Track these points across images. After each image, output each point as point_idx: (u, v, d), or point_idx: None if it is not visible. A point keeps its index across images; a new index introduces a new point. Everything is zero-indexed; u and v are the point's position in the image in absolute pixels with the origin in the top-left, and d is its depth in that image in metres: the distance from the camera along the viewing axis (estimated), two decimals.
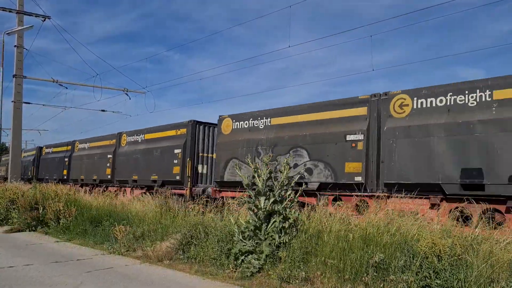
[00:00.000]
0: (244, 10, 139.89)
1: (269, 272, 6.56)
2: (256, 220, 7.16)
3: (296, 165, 11.50)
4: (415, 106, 9.70)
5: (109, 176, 19.91)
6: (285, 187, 7.31)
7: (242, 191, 11.73)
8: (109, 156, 20.00)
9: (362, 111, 10.60)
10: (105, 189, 18.79)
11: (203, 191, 14.61)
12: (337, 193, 10.50)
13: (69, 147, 24.90)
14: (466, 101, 8.95)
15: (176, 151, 15.81)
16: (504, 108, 8.40)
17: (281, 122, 12.55)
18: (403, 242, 6.02)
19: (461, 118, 8.89)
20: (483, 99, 8.72)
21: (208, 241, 7.78)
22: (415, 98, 9.68)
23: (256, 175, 7.38)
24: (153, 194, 12.85)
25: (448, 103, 9.22)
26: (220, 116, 14.48)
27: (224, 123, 14.34)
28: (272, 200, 7.15)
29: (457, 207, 8.30)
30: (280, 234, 6.96)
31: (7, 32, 21.71)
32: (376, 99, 10.38)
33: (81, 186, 20.68)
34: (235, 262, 7.04)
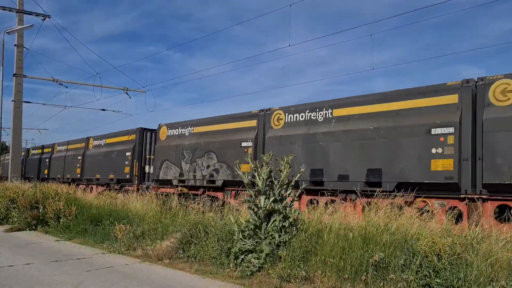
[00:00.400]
0: (244, 9, 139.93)
1: (269, 271, 6.56)
2: (256, 219, 7.16)
3: (208, 166, 14.32)
4: (287, 120, 12.25)
5: (78, 175, 22.91)
6: (285, 186, 7.31)
7: (173, 187, 15.31)
8: (79, 157, 22.98)
9: (252, 123, 13.38)
10: (76, 186, 19.79)
11: (147, 187, 17.00)
12: (237, 189, 12.97)
13: (50, 149, 28.03)
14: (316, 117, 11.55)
15: (127, 153, 18.69)
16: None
17: (200, 130, 15.22)
18: (403, 241, 6.03)
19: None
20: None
21: (208, 240, 7.79)
22: (287, 113, 12.08)
23: (256, 174, 7.38)
24: (110, 190, 15.56)
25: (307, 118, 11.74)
26: (159, 124, 17.01)
27: (161, 131, 16.92)
28: (272, 199, 7.16)
29: (311, 199, 11.07)
30: (280, 233, 6.96)
31: (7, 31, 21.72)
32: (263, 114, 12.99)
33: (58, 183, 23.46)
34: (235, 261, 7.05)
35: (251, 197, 7.38)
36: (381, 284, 5.64)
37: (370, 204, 8.09)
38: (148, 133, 18.90)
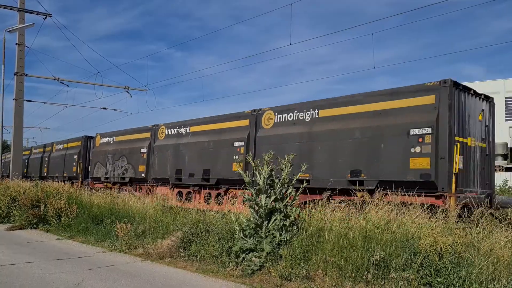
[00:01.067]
0: (245, 8, 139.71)
1: (270, 270, 6.57)
2: (257, 218, 7.17)
3: (122, 167, 18.84)
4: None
5: (45, 173, 27.23)
6: (286, 185, 7.31)
7: (103, 183, 19.91)
8: (46, 159, 27.61)
9: (147, 135, 17.83)
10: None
11: (87, 183, 21.27)
12: (138, 184, 17.93)
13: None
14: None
15: (75, 156, 23.53)
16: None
17: (118, 140, 19.89)
18: (404, 240, 6.02)
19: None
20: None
21: (209, 239, 7.79)
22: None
23: (257, 173, 7.38)
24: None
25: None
26: (96, 133, 21.64)
27: (97, 138, 21.48)
28: (273, 198, 7.16)
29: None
30: (281, 232, 6.96)
31: (8, 30, 21.71)
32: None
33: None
34: (236, 260, 7.05)
35: (252, 196, 7.38)
36: (382, 283, 5.63)
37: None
38: (92, 140, 22.78)
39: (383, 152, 9.62)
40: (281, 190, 7.24)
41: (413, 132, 9.14)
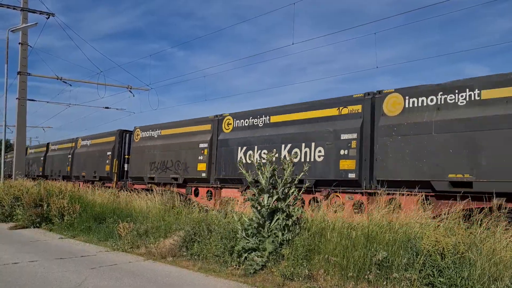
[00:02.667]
0: (247, 7, 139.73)
1: (272, 269, 6.57)
2: (260, 217, 7.17)
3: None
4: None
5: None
6: (288, 185, 7.32)
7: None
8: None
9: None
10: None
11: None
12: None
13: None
14: None
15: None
16: None
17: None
18: (406, 240, 6.02)
19: None
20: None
21: (211, 238, 7.80)
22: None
23: (259, 173, 7.38)
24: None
25: None
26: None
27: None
28: (275, 197, 7.16)
29: None
30: (283, 232, 6.97)
31: (11, 30, 21.75)
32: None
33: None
34: (238, 259, 7.06)
35: (255, 195, 7.39)
36: (384, 283, 5.63)
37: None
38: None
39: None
40: (283, 189, 7.25)
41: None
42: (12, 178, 21.78)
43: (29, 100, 24.41)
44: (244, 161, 12.19)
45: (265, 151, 11.67)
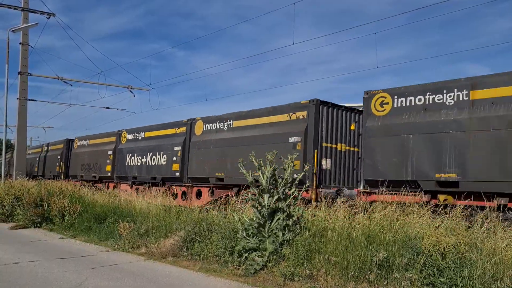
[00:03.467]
0: (248, 7, 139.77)
1: (273, 269, 6.57)
2: (260, 217, 7.17)
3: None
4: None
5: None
6: (289, 185, 7.31)
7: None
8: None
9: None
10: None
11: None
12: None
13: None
14: None
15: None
16: None
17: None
18: (406, 240, 6.02)
19: None
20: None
21: (212, 238, 7.80)
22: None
23: (260, 173, 7.38)
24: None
25: None
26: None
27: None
28: (276, 197, 7.16)
29: None
30: (283, 232, 6.96)
31: (12, 30, 21.76)
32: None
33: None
34: (238, 259, 7.06)
35: (255, 195, 7.38)
36: (385, 283, 5.63)
37: None
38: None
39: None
40: (284, 189, 7.24)
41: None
42: (11, 178, 21.81)
43: (29, 100, 24.45)
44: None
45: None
